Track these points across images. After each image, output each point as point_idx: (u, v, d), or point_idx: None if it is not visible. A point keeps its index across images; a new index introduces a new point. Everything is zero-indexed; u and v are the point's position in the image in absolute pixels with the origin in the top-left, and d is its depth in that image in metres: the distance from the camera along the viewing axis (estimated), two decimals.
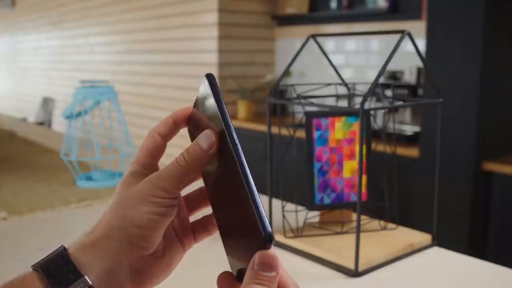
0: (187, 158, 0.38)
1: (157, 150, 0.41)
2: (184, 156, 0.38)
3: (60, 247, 0.38)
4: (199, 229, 0.44)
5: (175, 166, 0.38)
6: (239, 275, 0.37)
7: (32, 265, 0.37)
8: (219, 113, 0.37)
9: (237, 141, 0.36)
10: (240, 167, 0.35)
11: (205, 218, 0.44)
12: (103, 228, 0.38)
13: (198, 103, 0.41)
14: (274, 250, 0.34)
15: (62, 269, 0.36)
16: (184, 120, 0.42)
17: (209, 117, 0.39)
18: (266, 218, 0.33)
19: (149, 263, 0.39)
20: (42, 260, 0.37)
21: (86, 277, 0.36)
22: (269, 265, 0.33)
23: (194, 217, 0.46)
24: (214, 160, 0.39)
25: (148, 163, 0.41)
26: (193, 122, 0.42)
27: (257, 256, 0.33)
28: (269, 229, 0.33)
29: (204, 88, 0.40)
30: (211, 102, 0.38)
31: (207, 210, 0.45)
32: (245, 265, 0.35)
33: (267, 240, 0.33)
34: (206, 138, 0.38)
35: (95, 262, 0.37)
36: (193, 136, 0.43)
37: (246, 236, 0.35)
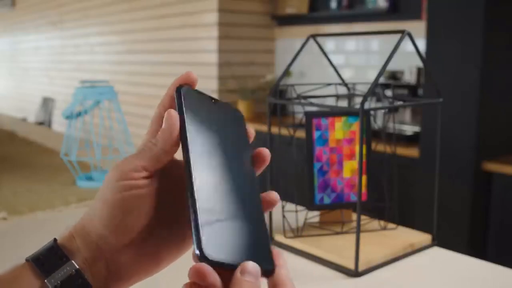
0: (156, 140, 0.38)
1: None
2: (156, 137, 0.39)
3: (51, 239, 0.39)
4: None
5: (150, 146, 0.38)
6: None
7: (26, 258, 0.38)
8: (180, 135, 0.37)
9: (189, 159, 0.35)
10: (188, 181, 0.35)
11: None
12: (90, 212, 0.39)
13: None
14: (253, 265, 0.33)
15: (50, 257, 0.38)
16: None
17: None
18: (200, 236, 0.32)
19: (129, 256, 0.39)
20: (34, 253, 0.39)
21: (73, 261, 0.37)
22: (254, 273, 0.33)
23: None
24: None
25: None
26: None
27: (240, 266, 0.33)
28: (198, 251, 0.32)
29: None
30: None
31: None
32: None
33: (200, 259, 0.32)
34: (165, 119, 0.38)
35: (82, 244, 0.38)
36: None
37: None
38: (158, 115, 0.40)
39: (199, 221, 0.32)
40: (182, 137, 0.36)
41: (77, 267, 0.37)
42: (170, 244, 0.40)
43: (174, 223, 0.41)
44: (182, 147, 0.36)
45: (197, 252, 0.32)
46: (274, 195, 0.40)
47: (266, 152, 0.41)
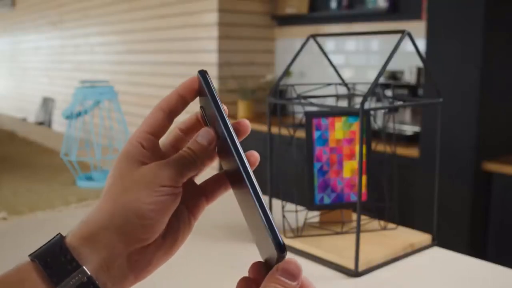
0: (190, 151, 0.38)
1: (158, 127, 0.39)
2: (187, 149, 0.38)
3: (57, 235, 0.37)
4: (212, 188, 0.42)
5: (180, 156, 0.38)
6: (265, 264, 0.37)
7: (29, 254, 0.36)
8: (218, 117, 0.37)
9: (239, 147, 0.36)
10: (244, 174, 0.35)
11: (219, 175, 0.42)
12: (103, 216, 0.37)
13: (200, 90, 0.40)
14: (297, 261, 0.34)
15: (59, 260, 0.35)
16: (192, 93, 0.40)
17: (209, 111, 0.39)
18: (276, 229, 0.33)
19: (149, 251, 0.39)
20: (39, 249, 0.36)
21: (84, 267, 0.35)
22: (293, 274, 0.33)
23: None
24: (225, 155, 0.39)
25: (147, 140, 0.39)
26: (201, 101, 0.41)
27: (282, 263, 0.33)
28: (280, 241, 0.33)
29: (200, 84, 0.39)
30: (208, 99, 0.38)
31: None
32: (267, 257, 0.35)
33: (280, 252, 0.33)
34: (205, 134, 0.38)
35: (94, 252, 0.36)
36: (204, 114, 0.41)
37: (264, 240, 0.35)
38: (154, 119, 0.40)
39: (272, 220, 0.34)
40: (227, 130, 0.36)
41: (89, 274, 0.35)
42: (183, 231, 0.41)
43: (183, 214, 0.41)
44: (231, 142, 0.36)
45: (281, 243, 0.33)
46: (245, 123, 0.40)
47: (246, 123, 0.40)
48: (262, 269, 0.36)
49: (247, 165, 0.35)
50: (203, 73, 0.38)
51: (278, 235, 0.33)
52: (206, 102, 0.39)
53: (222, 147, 0.39)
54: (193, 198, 0.41)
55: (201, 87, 0.39)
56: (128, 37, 4.57)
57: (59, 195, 1.18)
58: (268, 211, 0.34)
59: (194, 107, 0.41)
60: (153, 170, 0.37)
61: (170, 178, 0.37)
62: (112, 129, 1.31)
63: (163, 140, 0.41)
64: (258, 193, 0.34)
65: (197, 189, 0.42)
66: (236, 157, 0.35)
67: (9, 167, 1.46)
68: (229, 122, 0.37)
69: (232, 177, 0.40)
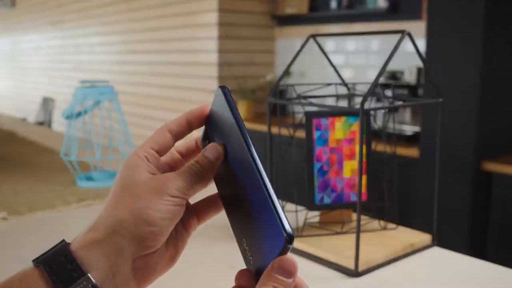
0: (198, 166, 0.40)
1: (164, 147, 0.42)
2: (195, 163, 0.40)
3: (62, 242, 0.37)
4: (204, 209, 0.44)
5: (189, 169, 0.40)
6: (257, 273, 0.37)
7: (33, 260, 0.36)
8: (238, 129, 0.38)
9: (255, 155, 0.37)
10: (259, 175, 0.36)
11: (210, 198, 0.44)
12: (113, 221, 0.38)
13: (213, 110, 0.42)
14: (293, 257, 0.34)
15: (64, 267, 0.35)
16: (198, 121, 0.43)
17: (224, 126, 0.41)
18: (286, 220, 0.34)
19: (152, 259, 0.39)
20: (43, 255, 0.37)
21: (89, 275, 0.35)
22: (288, 271, 0.34)
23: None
24: (226, 168, 0.40)
25: (152, 156, 0.41)
26: (212, 122, 0.43)
27: (277, 260, 0.34)
28: (290, 230, 0.33)
29: (218, 98, 0.41)
30: (225, 113, 0.40)
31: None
32: (264, 264, 0.35)
33: (288, 241, 0.33)
34: (213, 150, 0.40)
35: (99, 259, 0.36)
36: (208, 136, 0.43)
37: (266, 238, 0.35)
38: (162, 139, 0.42)
39: (280, 211, 0.35)
40: (244, 137, 0.38)
41: (94, 282, 0.35)
42: (181, 244, 0.43)
43: (180, 228, 0.43)
44: (246, 145, 0.38)
45: (290, 232, 0.33)
46: None
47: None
48: (249, 275, 0.37)
49: (264, 177, 0.37)
50: (223, 89, 0.40)
51: (289, 225, 0.34)
52: (218, 118, 0.41)
53: (227, 165, 0.40)
54: (187, 214, 0.43)
55: (218, 102, 0.41)
56: (128, 37, 4.57)
57: (59, 195, 1.18)
58: (279, 205, 0.35)
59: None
60: (163, 180, 0.39)
61: (179, 189, 0.39)
62: (112, 129, 1.31)
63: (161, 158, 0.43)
64: (273, 196, 0.36)
65: (190, 207, 0.44)
66: (256, 171, 0.37)
67: (9, 167, 1.47)
68: (248, 136, 0.38)
69: (234, 195, 0.41)
